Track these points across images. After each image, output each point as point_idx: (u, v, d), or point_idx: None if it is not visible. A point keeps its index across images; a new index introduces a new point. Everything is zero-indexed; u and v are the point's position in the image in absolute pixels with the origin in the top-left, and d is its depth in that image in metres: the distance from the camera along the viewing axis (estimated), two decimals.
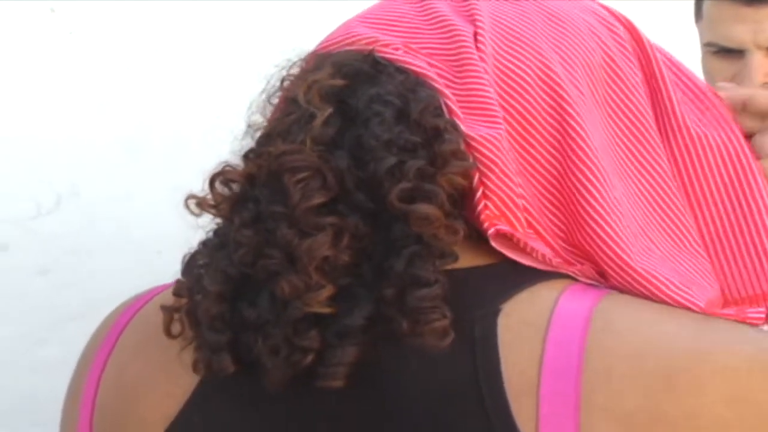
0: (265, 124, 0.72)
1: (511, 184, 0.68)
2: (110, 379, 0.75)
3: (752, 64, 1.38)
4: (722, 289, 0.75)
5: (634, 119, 0.74)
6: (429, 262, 0.64)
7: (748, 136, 0.80)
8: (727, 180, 0.77)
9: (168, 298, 0.71)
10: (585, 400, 0.62)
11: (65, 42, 1.29)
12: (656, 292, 0.69)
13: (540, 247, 0.69)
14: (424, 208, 0.64)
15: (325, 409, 0.67)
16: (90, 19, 1.30)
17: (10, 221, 1.26)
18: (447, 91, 0.69)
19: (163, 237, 1.24)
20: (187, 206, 0.70)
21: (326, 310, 0.64)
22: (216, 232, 0.70)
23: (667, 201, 0.74)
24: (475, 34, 0.71)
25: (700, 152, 0.77)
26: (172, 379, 0.71)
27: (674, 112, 0.76)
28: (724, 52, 1.41)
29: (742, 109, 0.81)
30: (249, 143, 0.71)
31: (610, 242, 0.69)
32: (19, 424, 1.27)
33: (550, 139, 0.70)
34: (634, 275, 0.69)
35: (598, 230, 0.69)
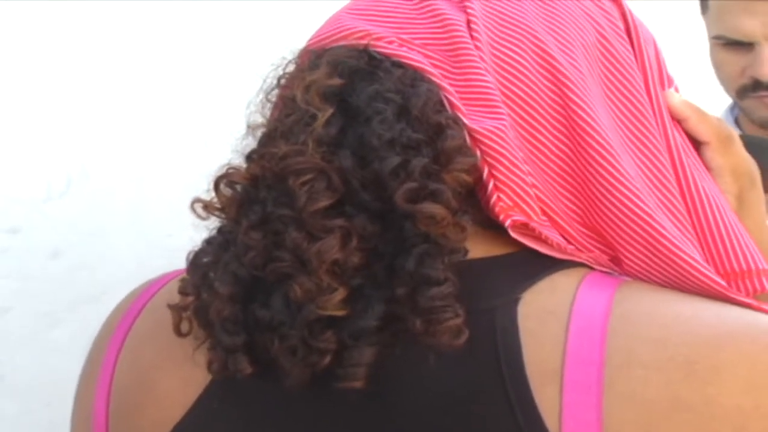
0: (264, 123, 0.72)
1: (521, 174, 0.67)
2: (126, 363, 0.76)
3: (763, 57, 1.37)
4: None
5: (631, 97, 0.73)
6: (438, 260, 0.64)
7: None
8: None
9: (174, 296, 0.71)
10: (608, 389, 0.62)
11: (78, 24, 1.30)
12: (686, 267, 0.68)
13: (554, 236, 0.68)
14: (431, 208, 0.63)
15: (344, 411, 0.66)
16: (99, 4, 1.30)
17: (21, 203, 1.27)
18: (446, 85, 0.68)
19: (173, 220, 1.25)
20: (193, 210, 0.70)
21: (340, 312, 0.64)
22: (220, 230, 0.70)
23: (665, 182, 0.72)
24: (468, 21, 0.70)
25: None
26: (188, 365, 0.71)
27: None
28: (734, 45, 1.40)
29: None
30: (250, 142, 0.70)
31: (638, 219, 0.68)
32: (33, 403, 1.28)
33: (555, 123, 0.69)
34: (667, 249, 0.68)
35: (623, 208, 0.68)
